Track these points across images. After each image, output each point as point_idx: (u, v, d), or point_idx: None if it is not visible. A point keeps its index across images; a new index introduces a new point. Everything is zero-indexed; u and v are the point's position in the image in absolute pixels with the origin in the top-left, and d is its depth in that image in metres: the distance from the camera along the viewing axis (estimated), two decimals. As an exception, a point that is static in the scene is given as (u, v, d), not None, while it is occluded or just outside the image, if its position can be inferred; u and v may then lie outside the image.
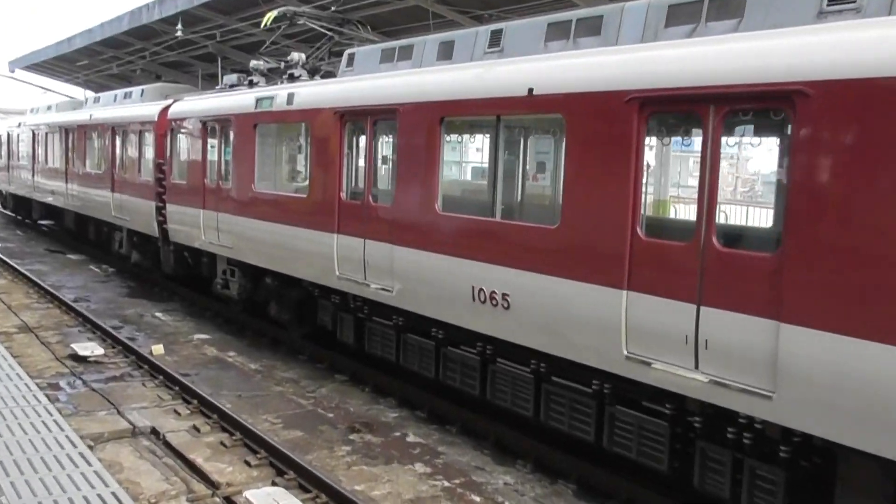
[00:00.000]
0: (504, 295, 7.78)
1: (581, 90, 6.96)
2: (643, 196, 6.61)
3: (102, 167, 19.54)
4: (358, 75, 10.80)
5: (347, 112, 10.17)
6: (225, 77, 15.46)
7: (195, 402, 9.73)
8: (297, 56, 13.09)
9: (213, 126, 13.82)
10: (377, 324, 10.15)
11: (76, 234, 23.62)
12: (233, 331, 14.05)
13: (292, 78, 12.74)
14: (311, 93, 11.13)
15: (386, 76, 9.89)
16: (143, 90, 19.10)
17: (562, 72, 7.25)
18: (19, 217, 30.21)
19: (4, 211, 32.99)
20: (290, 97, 11.42)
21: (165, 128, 15.75)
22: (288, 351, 12.65)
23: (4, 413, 7.61)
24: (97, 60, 30.94)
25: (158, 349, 12.30)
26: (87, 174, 20.66)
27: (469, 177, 9.57)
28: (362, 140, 10.20)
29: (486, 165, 8.98)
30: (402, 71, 9.77)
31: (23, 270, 18.76)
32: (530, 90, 7.44)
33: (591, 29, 7.77)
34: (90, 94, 32.27)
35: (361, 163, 10.21)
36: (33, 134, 25.96)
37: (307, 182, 11.12)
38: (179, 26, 20.67)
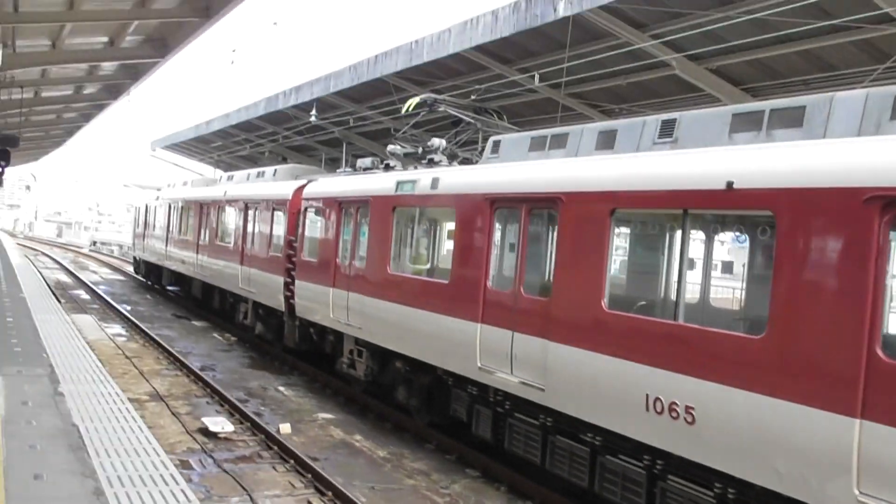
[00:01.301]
0: (688, 408, 6.59)
1: (800, 185, 5.85)
2: (884, 310, 5.36)
3: (233, 241, 19.41)
4: (504, 162, 10.05)
5: (499, 198, 9.37)
6: (359, 160, 15.02)
7: (330, 493, 8.76)
8: (437, 142, 12.46)
9: (348, 207, 13.41)
10: (520, 421, 9.03)
11: (201, 301, 23.49)
12: (355, 411, 13.13)
13: (432, 163, 12.12)
14: (459, 177, 10.43)
15: (545, 163, 9.00)
16: (275, 170, 19.02)
17: (774, 164, 6.15)
18: (149, 282, 30.58)
19: (136, 276, 33.58)
20: (435, 181, 10.77)
21: (298, 206, 15.53)
22: (414, 438, 11.60)
23: (143, 494, 6.73)
24: (230, 142, 31.69)
25: (286, 428, 11.43)
26: (218, 246, 20.58)
27: (642, 274, 8.38)
28: (514, 228, 9.35)
29: (666, 262, 7.83)
30: (564, 159, 8.87)
31: (153, 335, 18.46)
32: (729, 183, 6.38)
33: (790, 120, 6.72)
34: (220, 172, 33.01)
35: (513, 252, 9.29)
36: (169, 207, 26.40)
37: (448, 268, 10.33)
38: (314, 112, 20.69)
